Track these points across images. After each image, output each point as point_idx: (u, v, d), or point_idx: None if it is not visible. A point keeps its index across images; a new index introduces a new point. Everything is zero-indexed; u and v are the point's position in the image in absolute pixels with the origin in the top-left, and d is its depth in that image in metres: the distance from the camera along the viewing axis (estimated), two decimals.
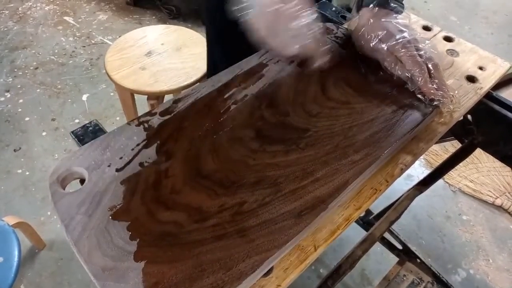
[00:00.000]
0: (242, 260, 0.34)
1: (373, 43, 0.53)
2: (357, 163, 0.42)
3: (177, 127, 0.45)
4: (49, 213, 1.33)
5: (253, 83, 0.51)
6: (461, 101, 0.56)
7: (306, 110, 0.48)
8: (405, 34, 0.52)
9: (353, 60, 0.56)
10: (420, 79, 0.50)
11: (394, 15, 0.54)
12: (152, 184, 0.39)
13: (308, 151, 0.43)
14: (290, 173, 0.41)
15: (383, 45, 0.53)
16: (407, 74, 0.51)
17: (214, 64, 0.92)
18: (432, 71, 0.51)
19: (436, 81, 0.51)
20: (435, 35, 0.66)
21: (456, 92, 0.53)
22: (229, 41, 0.82)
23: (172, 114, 0.46)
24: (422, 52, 0.52)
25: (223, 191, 0.39)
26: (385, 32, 0.53)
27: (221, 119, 0.46)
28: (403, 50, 0.51)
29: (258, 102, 0.49)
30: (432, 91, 0.50)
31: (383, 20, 0.54)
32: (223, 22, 0.76)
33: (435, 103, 0.50)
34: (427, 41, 0.53)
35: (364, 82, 0.53)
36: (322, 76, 0.53)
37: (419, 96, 0.51)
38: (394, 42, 0.52)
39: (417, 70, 0.50)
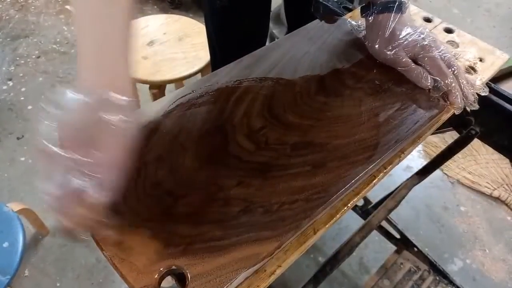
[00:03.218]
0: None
1: (391, 53, 0.53)
2: (357, 163, 0.43)
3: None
4: None
5: (258, 85, 0.52)
6: None
7: (310, 110, 0.49)
8: (425, 42, 0.52)
9: (362, 59, 0.57)
10: (453, 92, 0.50)
11: (402, 17, 0.53)
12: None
13: (317, 152, 0.44)
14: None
15: (403, 57, 0.52)
16: (433, 84, 0.52)
17: (214, 50, 0.94)
18: (460, 79, 0.51)
19: (465, 90, 0.51)
20: (435, 26, 0.66)
21: (476, 94, 0.53)
22: (222, 23, 0.83)
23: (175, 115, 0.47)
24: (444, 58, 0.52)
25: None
26: (398, 43, 0.52)
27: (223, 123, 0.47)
28: (426, 60, 0.51)
29: (260, 104, 0.49)
30: (460, 103, 0.50)
31: (395, 28, 0.53)
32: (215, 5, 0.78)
33: (457, 111, 0.51)
34: (442, 47, 0.53)
35: (372, 81, 0.54)
36: (328, 75, 0.54)
37: (441, 100, 0.51)
38: (416, 52, 0.52)
39: (447, 81, 0.50)
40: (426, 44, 0.52)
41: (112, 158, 0.31)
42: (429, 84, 0.51)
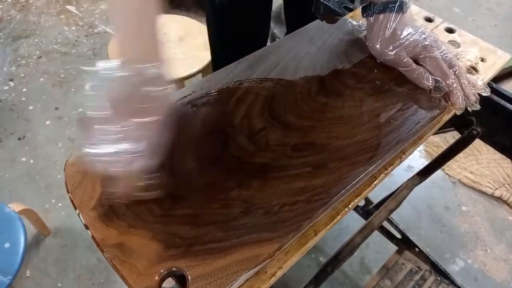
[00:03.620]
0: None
1: (392, 53, 0.53)
2: (358, 164, 0.43)
3: None
4: (53, 200, 1.35)
5: (258, 86, 0.51)
6: None
7: (311, 111, 0.49)
8: (426, 42, 0.52)
9: (363, 59, 0.57)
10: (454, 92, 0.50)
11: (403, 17, 0.53)
12: None
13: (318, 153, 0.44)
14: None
15: (404, 58, 0.52)
16: (435, 84, 0.51)
17: (214, 49, 0.94)
18: (461, 79, 0.51)
19: (466, 91, 0.51)
20: (436, 26, 0.66)
21: (478, 95, 0.53)
22: (224, 23, 0.83)
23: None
24: (445, 57, 0.51)
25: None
26: (399, 43, 0.52)
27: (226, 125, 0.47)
28: (428, 61, 0.51)
29: (260, 104, 0.49)
30: (461, 104, 0.50)
31: (396, 28, 0.53)
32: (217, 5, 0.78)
33: (458, 111, 0.51)
34: (443, 47, 0.53)
35: (373, 82, 0.54)
36: (329, 76, 0.54)
37: (443, 101, 0.51)
38: (417, 52, 0.52)
39: (448, 82, 0.50)
40: (427, 44, 0.51)
41: (158, 122, 0.35)
42: (430, 84, 0.51)
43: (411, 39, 0.52)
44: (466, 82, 0.51)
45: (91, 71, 0.34)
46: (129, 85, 0.34)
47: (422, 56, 0.52)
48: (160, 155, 0.36)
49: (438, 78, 0.51)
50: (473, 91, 0.52)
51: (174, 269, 0.34)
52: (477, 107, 0.52)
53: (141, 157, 0.34)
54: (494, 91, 0.63)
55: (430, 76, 0.51)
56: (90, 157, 0.34)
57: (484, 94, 0.54)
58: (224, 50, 0.90)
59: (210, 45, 0.95)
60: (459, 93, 0.50)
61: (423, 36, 0.52)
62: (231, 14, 0.81)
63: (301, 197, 0.40)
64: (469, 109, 0.52)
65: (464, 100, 0.51)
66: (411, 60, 0.52)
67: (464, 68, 0.55)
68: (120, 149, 0.33)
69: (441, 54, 0.52)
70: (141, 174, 0.35)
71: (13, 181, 1.40)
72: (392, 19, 0.52)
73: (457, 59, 0.54)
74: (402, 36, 0.52)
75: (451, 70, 0.51)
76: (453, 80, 0.50)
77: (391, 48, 0.53)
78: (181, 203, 0.38)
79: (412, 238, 1.06)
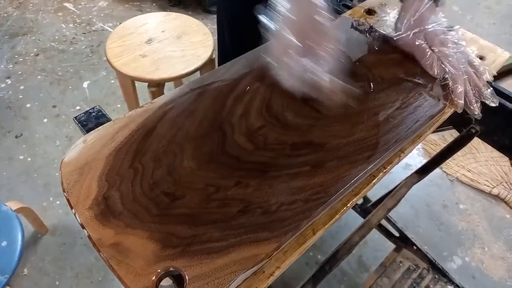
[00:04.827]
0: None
1: (412, 36, 0.53)
2: (356, 163, 0.43)
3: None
4: (51, 198, 1.34)
5: (257, 83, 0.51)
6: None
7: (315, 109, 0.49)
8: (448, 37, 0.52)
9: (362, 57, 0.56)
10: (459, 88, 0.50)
11: (438, 13, 0.54)
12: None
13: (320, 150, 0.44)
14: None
15: (425, 45, 0.52)
16: (442, 74, 0.51)
17: (223, 35, 0.92)
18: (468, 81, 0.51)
19: (472, 93, 0.51)
20: None
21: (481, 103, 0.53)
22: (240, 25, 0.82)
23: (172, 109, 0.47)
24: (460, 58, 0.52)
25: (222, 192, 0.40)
26: (428, 33, 0.53)
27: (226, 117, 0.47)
28: (440, 54, 0.51)
29: (259, 103, 0.49)
30: (462, 102, 0.50)
31: (423, 14, 0.53)
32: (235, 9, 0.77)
33: (458, 109, 0.51)
34: (462, 48, 0.53)
35: (372, 80, 0.53)
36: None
37: (442, 99, 0.51)
38: (435, 44, 0.52)
39: (455, 76, 0.50)
40: (448, 39, 0.52)
41: (331, 40, 0.46)
42: (439, 72, 0.51)
43: (435, 29, 0.52)
44: (473, 84, 0.51)
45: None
46: (303, 13, 0.44)
47: (437, 50, 0.52)
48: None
49: (449, 68, 0.51)
50: (475, 93, 0.52)
51: (171, 269, 0.34)
52: (479, 115, 0.51)
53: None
54: (493, 89, 0.63)
55: (441, 65, 0.51)
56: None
57: (492, 105, 0.53)
58: (233, 31, 0.88)
59: (217, 27, 0.93)
60: (462, 90, 0.50)
61: (448, 30, 0.53)
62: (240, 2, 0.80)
63: (299, 196, 0.39)
64: (471, 116, 0.52)
65: (466, 101, 0.51)
66: (428, 47, 0.53)
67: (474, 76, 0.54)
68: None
69: (455, 52, 0.52)
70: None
71: (11, 179, 1.39)
72: (424, 4, 0.53)
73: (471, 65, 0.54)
74: (428, 23, 0.53)
75: (462, 66, 0.51)
76: (460, 74, 0.50)
77: (415, 31, 0.53)
78: (178, 202, 0.38)
79: (410, 236, 1.06)
